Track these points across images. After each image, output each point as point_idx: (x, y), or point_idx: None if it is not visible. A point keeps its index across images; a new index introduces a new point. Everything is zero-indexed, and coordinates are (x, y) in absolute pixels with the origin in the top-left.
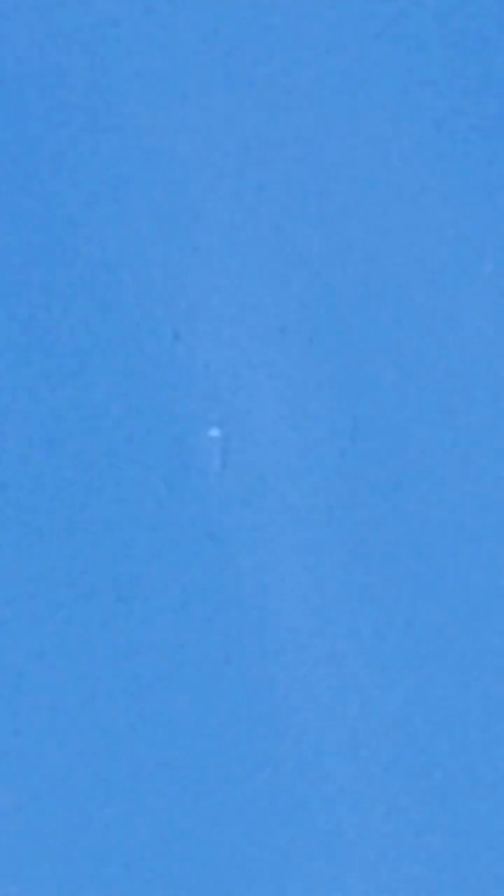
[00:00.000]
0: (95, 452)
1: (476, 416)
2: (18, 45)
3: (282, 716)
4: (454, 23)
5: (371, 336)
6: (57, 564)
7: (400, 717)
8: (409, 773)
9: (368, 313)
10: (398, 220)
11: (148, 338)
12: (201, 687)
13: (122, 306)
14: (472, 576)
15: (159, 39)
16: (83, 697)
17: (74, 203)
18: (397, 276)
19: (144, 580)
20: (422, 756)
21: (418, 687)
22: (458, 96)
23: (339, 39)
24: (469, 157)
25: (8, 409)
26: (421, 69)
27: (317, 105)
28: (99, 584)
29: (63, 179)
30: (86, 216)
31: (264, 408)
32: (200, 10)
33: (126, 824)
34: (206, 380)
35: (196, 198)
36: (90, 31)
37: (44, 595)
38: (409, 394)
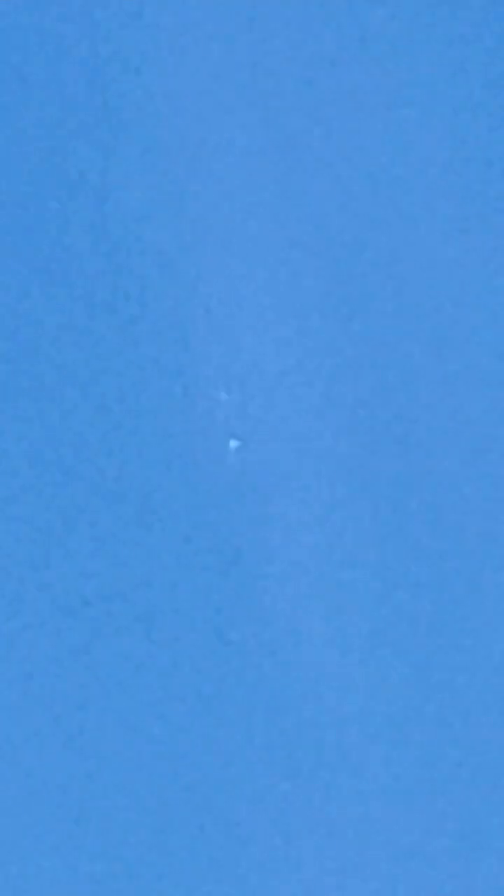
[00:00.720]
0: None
1: (482, 413)
2: (20, 63)
3: (289, 716)
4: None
5: (381, 324)
6: (61, 556)
7: (408, 717)
8: (413, 767)
9: (378, 302)
10: (405, 217)
11: (160, 335)
12: (204, 676)
13: (131, 294)
14: (476, 570)
15: (164, 53)
16: (87, 695)
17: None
18: (406, 266)
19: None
20: (426, 752)
21: (426, 692)
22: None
23: (337, 53)
24: (474, 162)
25: (10, 407)
26: (422, 77)
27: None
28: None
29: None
30: (92, 205)
31: (278, 406)
32: (204, 24)
33: (124, 816)
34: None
35: (202, 190)
36: (92, 45)
37: (51, 582)
38: (418, 391)
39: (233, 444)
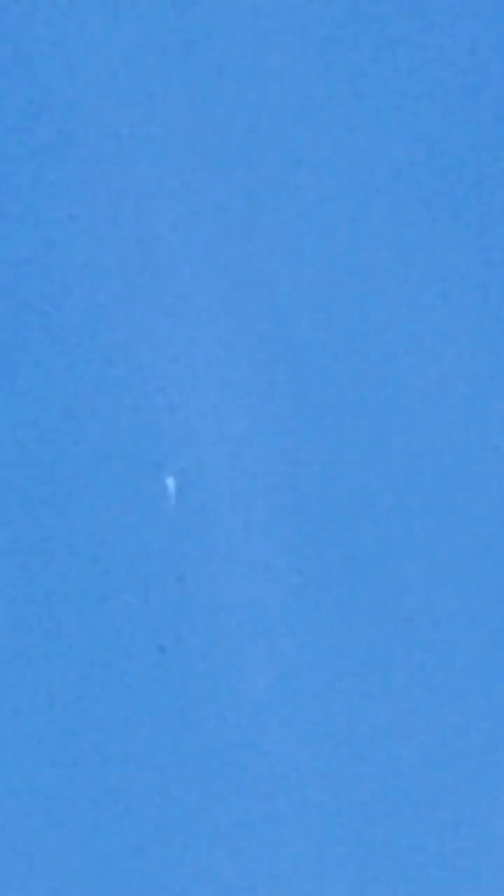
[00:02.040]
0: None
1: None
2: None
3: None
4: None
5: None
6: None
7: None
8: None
9: (335, 361)
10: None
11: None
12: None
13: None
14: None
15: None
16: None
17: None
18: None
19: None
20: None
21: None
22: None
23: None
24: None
25: None
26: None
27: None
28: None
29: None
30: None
31: (221, 455)
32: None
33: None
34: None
35: (166, 247)
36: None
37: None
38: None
39: (170, 482)
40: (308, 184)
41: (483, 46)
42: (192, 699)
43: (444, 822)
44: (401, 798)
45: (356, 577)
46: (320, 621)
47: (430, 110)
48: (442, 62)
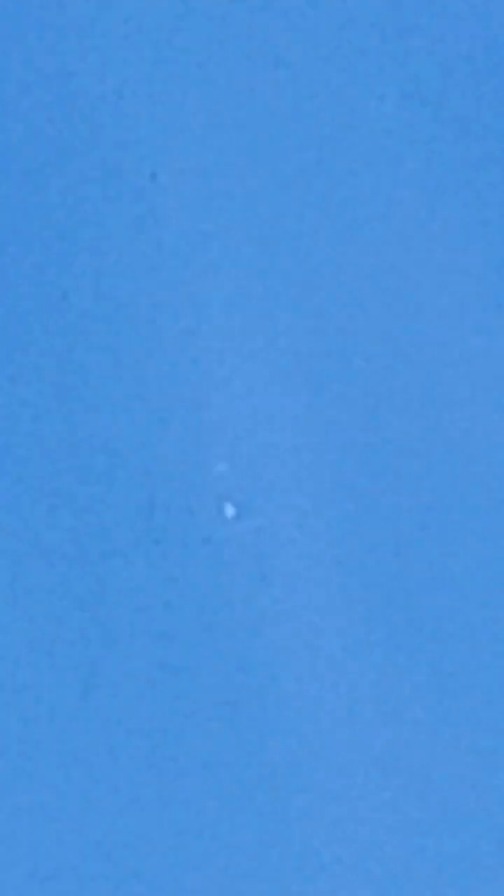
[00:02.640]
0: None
1: (491, 455)
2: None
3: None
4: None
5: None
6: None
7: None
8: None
9: (377, 353)
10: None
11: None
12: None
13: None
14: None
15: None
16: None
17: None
18: (406, 315)
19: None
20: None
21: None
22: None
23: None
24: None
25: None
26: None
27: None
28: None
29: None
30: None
31: (274, 456)
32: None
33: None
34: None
35: (201, 246)
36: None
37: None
38: (419, 442)
39: (229, 510)
40: (347, 188)
41: None
42: (264, 733)
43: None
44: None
45: (415, 594)
46: (380, 642)
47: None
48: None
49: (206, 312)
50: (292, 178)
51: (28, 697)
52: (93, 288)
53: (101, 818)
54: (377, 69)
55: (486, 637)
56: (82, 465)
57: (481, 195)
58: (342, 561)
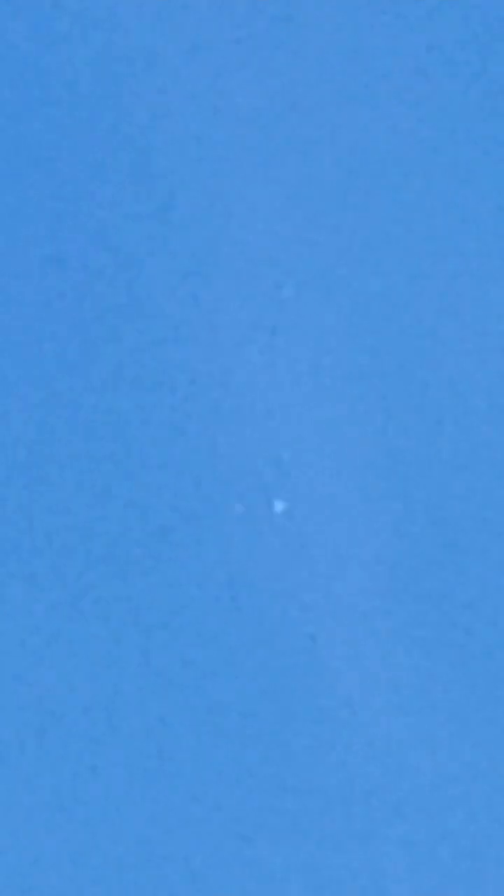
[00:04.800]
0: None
1: None
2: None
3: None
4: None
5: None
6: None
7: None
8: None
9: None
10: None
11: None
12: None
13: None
14: None
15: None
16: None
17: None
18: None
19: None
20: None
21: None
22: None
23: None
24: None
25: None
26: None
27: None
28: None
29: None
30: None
31: (325, 479)
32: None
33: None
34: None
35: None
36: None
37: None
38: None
39: (278, 505)
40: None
41: None
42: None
43: None
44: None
45: (465, 597)
46: (428, 648)
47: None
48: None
49: (252, 307)
50: (329, 178)
51: (84, 683)
52: (138, 286)
53: (149, 795)
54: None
55: None
56: (127, 465)
57: None
58: (389, 561)
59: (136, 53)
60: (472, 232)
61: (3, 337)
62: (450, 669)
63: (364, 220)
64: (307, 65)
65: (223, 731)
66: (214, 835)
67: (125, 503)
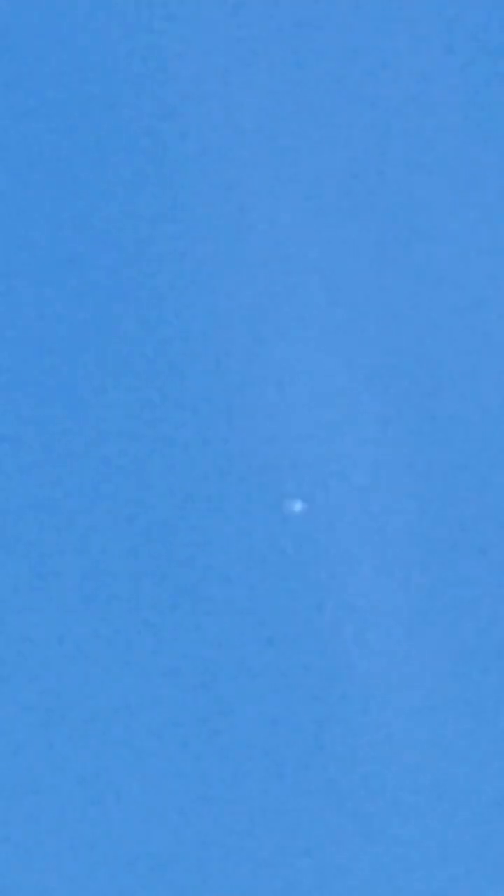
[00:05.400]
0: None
1: None
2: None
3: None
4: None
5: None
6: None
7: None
8: None
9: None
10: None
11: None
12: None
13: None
14: None
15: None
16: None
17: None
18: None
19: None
20: None
21: None
22: None
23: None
24: None
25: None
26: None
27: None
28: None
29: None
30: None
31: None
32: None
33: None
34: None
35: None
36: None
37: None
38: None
39: (297, 506)
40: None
41: None
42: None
43: None
44: None
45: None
46: (447, 640)
47: None
48: None
49: (272, 306)
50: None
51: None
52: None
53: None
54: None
55: None
56: (144, 463)
57: None
58: (409, 562)
59: (144, 49)
60: (490, 231)
61: (19, 337)
62: (471, 670)
63: (381, 216)
64: (318, 65)
65: (236, 728)
66: (216, 833)
67: (140, 505)
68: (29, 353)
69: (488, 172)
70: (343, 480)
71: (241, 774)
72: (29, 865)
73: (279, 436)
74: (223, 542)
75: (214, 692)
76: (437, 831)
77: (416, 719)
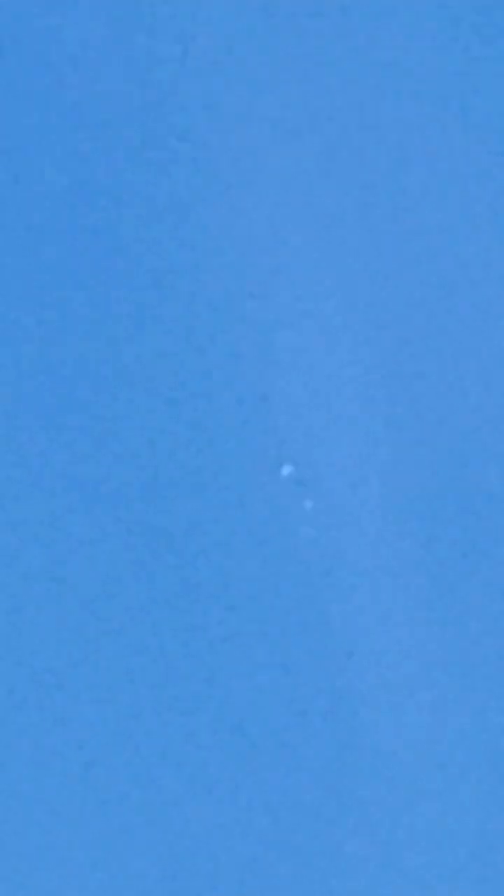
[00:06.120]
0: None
1: None
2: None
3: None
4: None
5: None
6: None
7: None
8: None
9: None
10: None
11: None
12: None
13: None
14: None
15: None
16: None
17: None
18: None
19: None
20: None
21: None
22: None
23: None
24: None
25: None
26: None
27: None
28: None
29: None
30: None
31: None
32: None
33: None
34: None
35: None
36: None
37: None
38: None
39: (307, 504)
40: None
41: None
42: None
43: None
44: None
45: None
46: (456, 634)
47: None
48: None
49: (274, 292)
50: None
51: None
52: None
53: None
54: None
55: None
56: (151, 461)
57: None
58: (420, 556)
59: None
60: (496, 230)
61: (40, 337)
62: (487, 665)
63: (391, 213)
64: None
65: (248, 718)
66: (219, 829)
67: (150, 501)
68: (30, 317)
69: (490, 172)
70: (353, 478)
71: (241, 771)
72: (28, 865)
73: (291, 434)
74: (234, 538)
75: (215, 689)
76: (437, 830)
77: (420, 714)
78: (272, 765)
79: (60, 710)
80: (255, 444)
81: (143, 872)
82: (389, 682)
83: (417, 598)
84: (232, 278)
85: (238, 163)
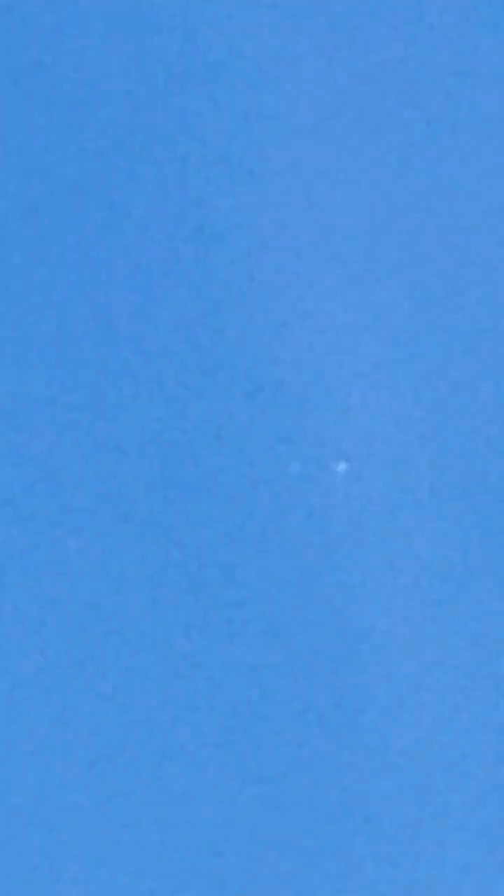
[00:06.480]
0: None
1: None
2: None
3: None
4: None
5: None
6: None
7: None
8: None
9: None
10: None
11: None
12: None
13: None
14: None
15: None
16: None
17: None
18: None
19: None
20: None
21: None
22: None
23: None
24: None
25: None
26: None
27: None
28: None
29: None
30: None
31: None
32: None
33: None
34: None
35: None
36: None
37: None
38: None
39: (341, 467)
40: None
41: None
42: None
43: None
44: None
45: None
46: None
47: None
48: None
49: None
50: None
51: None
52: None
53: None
54: None
55: None
56: (184, 431)
57: None
58: (453, 526)
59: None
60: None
61: (63, 337)
62: (496, 663)
63: (429, 210)
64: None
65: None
66: (222, 829)
67: (156, 496)
68: (34, 313)
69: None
70: (387, 441)
71: (245, 768)
72: (29, 865)
73: (325, 398)
74: (266, 503)
75: (218, 686)
76: (442, 827)
77: (427, 711)
78: (276, 762)
79: (64, 707)
80: (262, 438)
81: (144, 870)
82: (396, 680)
83: (425, 593)
84: (238, 274)
85: (242, 160)
